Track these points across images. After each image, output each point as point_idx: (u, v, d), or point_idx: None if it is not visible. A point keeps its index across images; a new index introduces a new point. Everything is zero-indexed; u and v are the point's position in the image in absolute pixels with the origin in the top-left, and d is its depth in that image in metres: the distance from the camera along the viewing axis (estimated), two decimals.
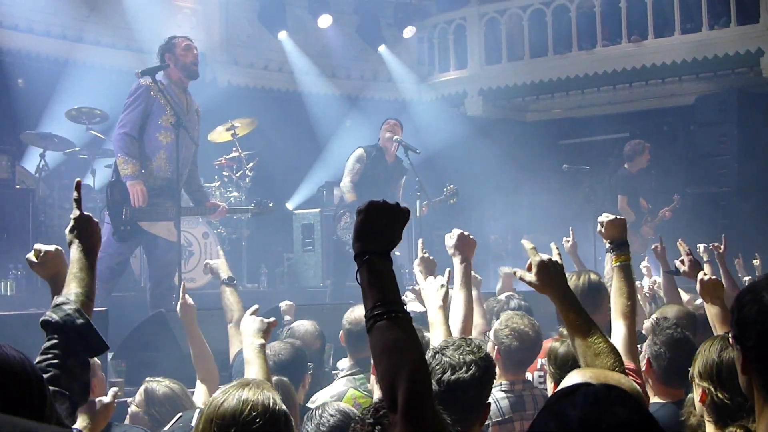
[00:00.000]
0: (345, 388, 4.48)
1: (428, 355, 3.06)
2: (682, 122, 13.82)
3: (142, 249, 8.13)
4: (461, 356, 2.95)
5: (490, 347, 4.51)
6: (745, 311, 2.05)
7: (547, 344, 5.09)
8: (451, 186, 9.51)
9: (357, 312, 4.95)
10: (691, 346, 4.03)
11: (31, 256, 3.22)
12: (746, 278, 8.32)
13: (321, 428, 3.15)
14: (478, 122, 14.33)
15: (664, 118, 14.21)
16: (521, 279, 3.01)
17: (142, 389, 4.51)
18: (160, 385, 4.46)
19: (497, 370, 4.48)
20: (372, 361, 3.53)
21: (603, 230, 3.84)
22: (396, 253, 11.56)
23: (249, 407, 2.48)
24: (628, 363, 3.31)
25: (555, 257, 3.00)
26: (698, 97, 13.03)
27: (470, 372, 2.92)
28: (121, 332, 6.58)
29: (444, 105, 14.61)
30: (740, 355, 2.08)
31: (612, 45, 13.24)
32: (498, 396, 4.24)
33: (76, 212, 3.06)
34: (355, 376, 4.65)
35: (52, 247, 3.25)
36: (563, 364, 3.29)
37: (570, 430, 1.49)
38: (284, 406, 2.57)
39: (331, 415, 3.18)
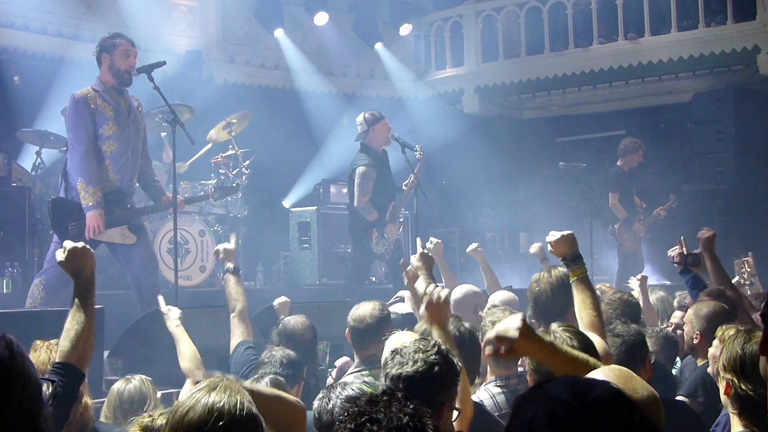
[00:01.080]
0: None
1: (386, 355, 3.16)
2: (679, 120, 13.82)
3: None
4: (412, 354, 2.99)
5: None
6: None
7: None
8: (418, 146, 9.32)
9: (362, 309, 4.96)
10: (634, 346, 4.03)
11: (59, 253, 3.44)
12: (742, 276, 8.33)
13: (340, 396, 3.26)
14: (474, 120, 14.34)
15: (660, 115, 14.22)
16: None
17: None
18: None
19: (489, 366, 4.52)
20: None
21: (552, 249, 3.84)
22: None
23: (215, 417, 2.39)
24: None
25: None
26: (695, 95, 13.03)
27: (414, 367, 2.95)
28: (118, 330, 6.57)
29: (440, 102, 14.62)
30: (763, 332, 2.13)
31: (608, 42, 13.25)
32: (494, 391, 4.31)
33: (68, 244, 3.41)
34: (362, 373, 4.65)
35: (79, 244, 3.46)
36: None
37: (556, 402, 1.55)
38: (252, 409, 2.48)
39: (352, 389, 3.30)
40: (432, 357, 2.98)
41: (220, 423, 2.39)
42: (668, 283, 9.76)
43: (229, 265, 5.55)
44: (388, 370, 3.00)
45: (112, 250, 7.42)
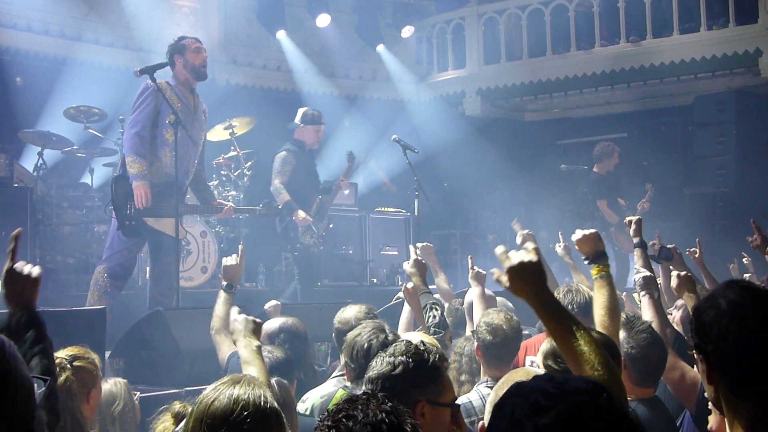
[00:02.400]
0: (335, 389, 4.47)
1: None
2: (681, 122, 13.83)
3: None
4: (384, 356, 3.02)
5: (476, 346, 4.59)
6: (703, 317, 2.13)
7: (530, 342, 5.18)
8: (350, 152, 9.60)
9: (348, 312, 4.97)
10: (663, 347, 4.08)
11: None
12: (746, 276, 8.35)
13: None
14: (476, 122, 14.34)
15: (662, 118, 14.22)
16: (497, 281, 2.86)
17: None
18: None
19: (482, 366, 4.54)
20: None
21: (578, 248, 3.83)
22: (393, 252, 11.62)
23: (240, 407, 2.45)
24: None
25: (530, 257, 2.77)
26: (697, 98, 13.04)
27: (382, 367, 2.97)
28: (119, 330, 6.58)
29: (442, 105, 14.62)
30: (704, 365, 2.14)
31: (610, 45, 13.25)
32: (484, 392, 4.33)
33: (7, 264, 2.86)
34: (345, 377, 4.64)
35: (26, 268, 2.93)
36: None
37: (538, 392, 1.61)
38: (275, 404, 2.55)
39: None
40: (399, 357, 2.98)
41: (245, 413, 2.44)
42: None
43: (224, 281, 5.40)
44: (367, 374, 3.04)
45: (158, 240, 7.55)
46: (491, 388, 4.28)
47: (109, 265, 7.40)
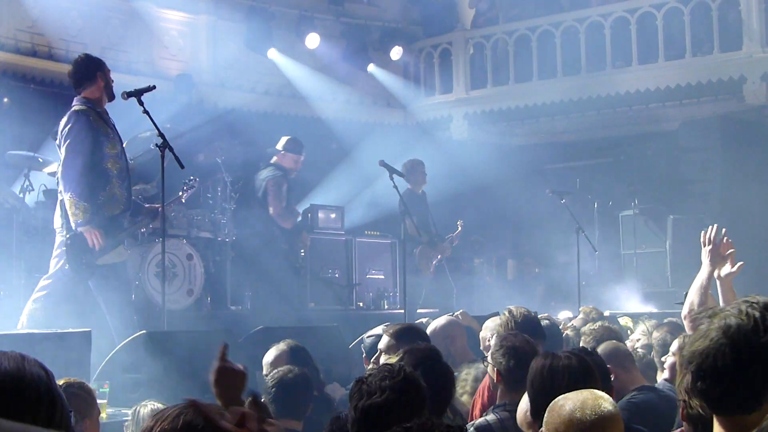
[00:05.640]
0: None
1: (351, 384, 3.15)
2: (666, 148, 13.91)
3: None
4: (378, 382, 2.99)
5: (490, 370, 4.51)
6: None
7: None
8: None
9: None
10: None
11: None
12: None
13: None
14: (463, 146, 14.39)
15: (648, 143, 14.30)
16: None
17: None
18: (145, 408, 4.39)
19: (499, 390, 4.48)
20: None
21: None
22: (379, 276, 11.60)
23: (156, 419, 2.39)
24: None
25: None
26: (682, 123, 13.14)
27: (383, 396, 2.95)
28: (104, 353, 6.54)
29: (429, 128, 14.66)
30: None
31: (596, 71, 13.35)
32: (503, 416, 4.26)
33: None
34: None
35: None
36: None
37: None
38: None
39: None
40: (398, 383, 2.97)
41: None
42: (655, 310, 9.80)
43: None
44: (356, 403, 2.99)
45: (106, 274, 7.04)
46: (509, 412, 4.24)
47: (46, 302, 6.91)
